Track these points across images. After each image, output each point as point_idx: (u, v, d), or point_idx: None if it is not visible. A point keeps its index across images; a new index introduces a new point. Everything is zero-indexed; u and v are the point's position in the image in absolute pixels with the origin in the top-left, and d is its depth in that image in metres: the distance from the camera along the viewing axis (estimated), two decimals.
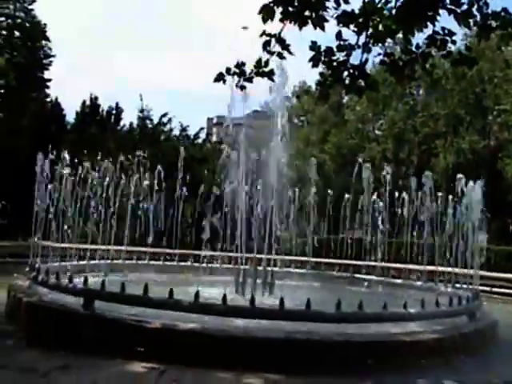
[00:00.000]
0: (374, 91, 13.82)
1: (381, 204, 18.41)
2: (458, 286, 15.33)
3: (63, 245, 16.33)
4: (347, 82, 8.99)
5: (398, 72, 9.00)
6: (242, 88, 9.10)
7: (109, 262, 17.41)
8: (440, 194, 17.80)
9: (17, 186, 29.54)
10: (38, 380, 5.80)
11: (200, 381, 6.14)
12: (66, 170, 16.00)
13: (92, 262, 16.55)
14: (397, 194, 18.85)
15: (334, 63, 8.79)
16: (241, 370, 6.67)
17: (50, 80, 45.35)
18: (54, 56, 45.32)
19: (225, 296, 9.29)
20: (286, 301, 9.34)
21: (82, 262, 15.42)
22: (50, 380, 5.88)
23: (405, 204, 18.45)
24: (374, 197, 18.51)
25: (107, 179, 17.65)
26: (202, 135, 46.77)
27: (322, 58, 8.70)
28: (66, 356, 6.89)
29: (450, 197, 17.06)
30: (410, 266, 18.50)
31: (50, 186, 15.77)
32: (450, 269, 17.14)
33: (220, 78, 8.78)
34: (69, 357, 6.86)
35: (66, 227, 16.14)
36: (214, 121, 76.40)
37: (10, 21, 43.46)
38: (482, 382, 7.92)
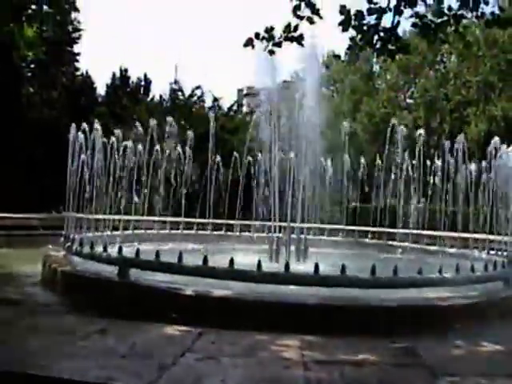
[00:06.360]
0: (405, 54, 13.68)
1: (413, 171, 18.32)
2: (492, 252, 15.25)
3: (96, 216, 16.50)
4: (378, 46, 8.91)
5: (430, 35, 8.88)
6: (271, 53, 9.01)
7: (142, 231, 17.56)
8: (472, 161, 17.75)
9: (48, 158, 29.74)
10: (79, 342, 5.92)
11: (238, 342, 6.20)
12: (99, 140, 16.12)
13: (126, 232, 16.69)
14: (429, 162, 18.75)
15: (365, 27, 8.70)
16: (278, 333, 6.74)
17: (79, 54, 45.35)
18: (82, 30, 45.26)
19: (259, 262, 9.32)
20: (321, 267, 9.35)
21: (115, 233, 15.54)
22: (90, 342, 6.00)
23: (437, 171, 18.36)
24: (406, 163, 18.40)
25: (140, 147, 17.80)
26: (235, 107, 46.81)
27: (352, 22, 8.61)
28: (104, 322, 6.99)
29: (484, 163, 16.98)
30: (444, 233, 18.39)
31: (82, 157, 15.91)
32: (484, 235, 17.07)
33: (249, 42, 8.70)
34: (106, 322, 6.97)
35: (98, 199, 16.33)
36: (244, 91, 76.22)
37: None
38: None
